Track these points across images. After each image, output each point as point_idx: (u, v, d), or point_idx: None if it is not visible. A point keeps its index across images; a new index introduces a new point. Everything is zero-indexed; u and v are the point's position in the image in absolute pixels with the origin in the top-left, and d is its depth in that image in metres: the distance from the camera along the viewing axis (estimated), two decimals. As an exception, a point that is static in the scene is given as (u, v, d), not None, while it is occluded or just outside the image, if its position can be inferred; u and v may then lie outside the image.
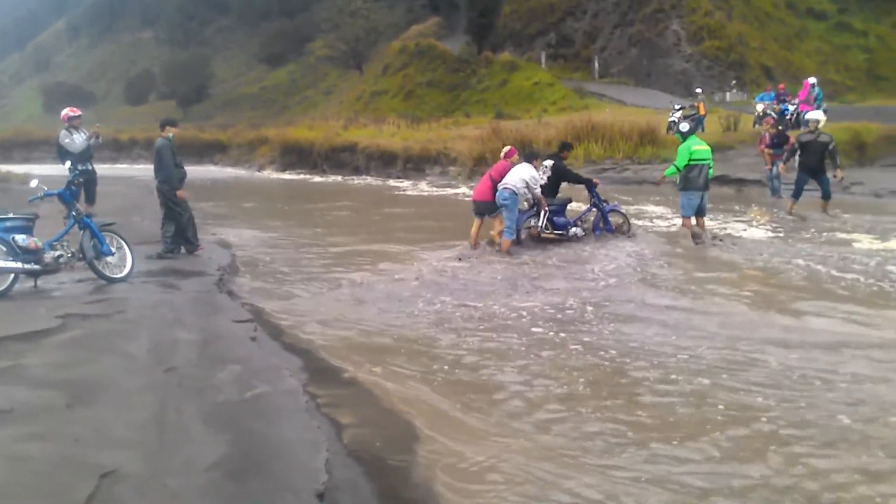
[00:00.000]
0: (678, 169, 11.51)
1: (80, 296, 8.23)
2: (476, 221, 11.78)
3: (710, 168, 11.53)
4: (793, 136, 16.13)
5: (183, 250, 11.18)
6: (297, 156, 35.00)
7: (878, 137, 20.77)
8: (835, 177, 13.63)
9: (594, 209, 12.27)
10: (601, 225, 12.18)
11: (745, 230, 13.01)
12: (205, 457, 4.28)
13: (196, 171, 34.01)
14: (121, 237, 9.24)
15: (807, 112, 17.69)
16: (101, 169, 15.00)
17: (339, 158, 32.59)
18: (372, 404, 5.46)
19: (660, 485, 4.14)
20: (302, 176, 31.93)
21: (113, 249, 9.01)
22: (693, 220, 11.64)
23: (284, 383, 5.69)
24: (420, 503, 4.08)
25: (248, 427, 4.81)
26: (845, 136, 20.23)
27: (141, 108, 71.49)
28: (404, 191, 23.29)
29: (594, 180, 12.38)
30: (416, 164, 28.21)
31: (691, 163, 11.36)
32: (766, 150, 16.66)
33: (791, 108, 23.40)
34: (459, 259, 10.89)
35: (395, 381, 5.87)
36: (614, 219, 12.36)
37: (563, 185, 12.52)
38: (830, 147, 13.28)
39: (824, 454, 4.46)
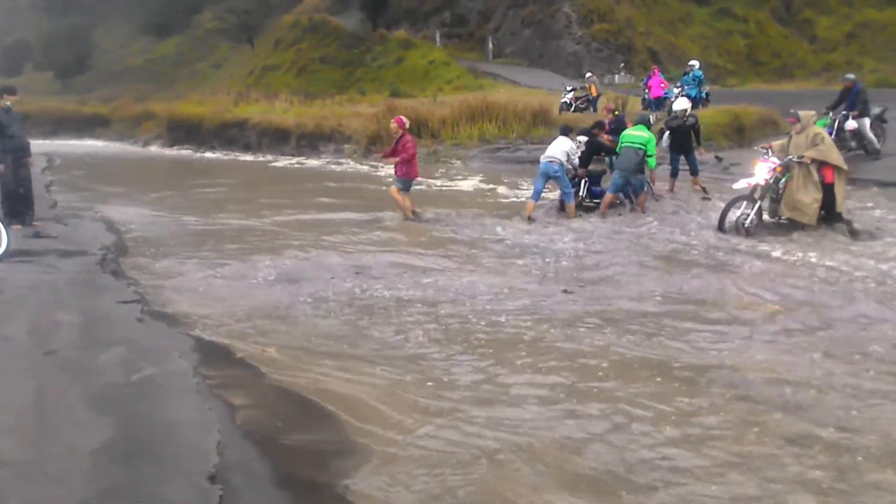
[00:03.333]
0: (616, 153, 12.53)
1: (-49, 277, 7.79)
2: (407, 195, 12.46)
3: (648, 156, 11.92)
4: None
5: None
6: (185, 131, 33.92)
7: (755, 120, 21.77)
8: (700, 153, 14.36)
9: None
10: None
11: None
12: (89, 441, 4.14)
13: (76, 146, 32.64)
14: (-7, 215, 8.79)
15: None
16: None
17: (229, 135, 31.73)
18: (267, 384, 5.39)
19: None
20: (191, 153, 30.96)
21: (-15, 228, 8.57)
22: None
23: (174, 365, 5.54)
24: (316, 482, 4.06)
25: (136, 410, 4.67)
26: (726, 119, 21.15)
27: (16, 79, 67.22)
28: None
29: None
30: (309, 142, 27.78)
31: (623, 146, 12.10)
32: (606, 137, 16.62)
33: (675, 90, 24.11)
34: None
35: (292, 360, 5.81)
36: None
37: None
38: (695, 126, 13.96)
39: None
